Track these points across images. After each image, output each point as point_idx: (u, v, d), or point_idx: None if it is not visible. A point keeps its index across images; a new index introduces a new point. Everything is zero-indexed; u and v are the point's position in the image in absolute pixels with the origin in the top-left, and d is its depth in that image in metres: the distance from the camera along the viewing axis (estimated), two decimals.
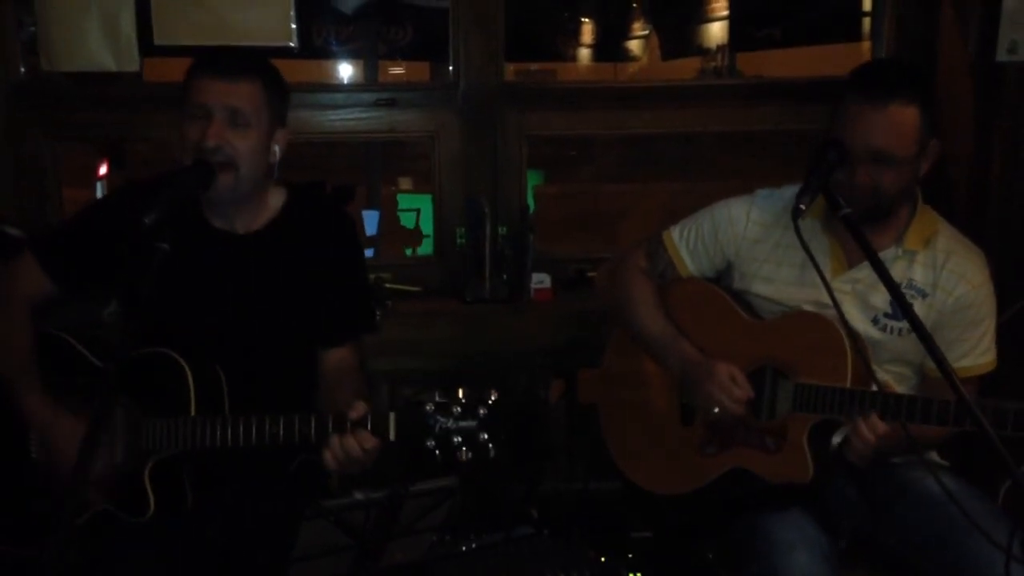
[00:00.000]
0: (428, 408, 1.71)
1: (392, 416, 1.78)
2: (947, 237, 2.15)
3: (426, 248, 3.53)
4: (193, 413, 1.94)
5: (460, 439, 1.71)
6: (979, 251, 2.16)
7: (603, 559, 2.42)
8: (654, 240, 2.35)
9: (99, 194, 5.18)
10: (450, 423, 1.71)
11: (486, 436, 1.71)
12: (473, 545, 2.16)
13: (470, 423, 1.71)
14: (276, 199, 2.14)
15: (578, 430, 2.95)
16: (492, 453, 1.72)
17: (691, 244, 2.30)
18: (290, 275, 2.10)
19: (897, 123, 1.97)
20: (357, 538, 1.61)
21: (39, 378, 2.06)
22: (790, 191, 2.18)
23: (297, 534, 1.65)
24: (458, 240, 3.02)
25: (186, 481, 1.97)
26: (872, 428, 1.91)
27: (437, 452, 1.72)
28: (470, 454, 1.72)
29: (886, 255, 2.07)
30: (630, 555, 2.47)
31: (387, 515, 1.63)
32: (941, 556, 1.99)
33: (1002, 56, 2.75)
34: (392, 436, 1.79)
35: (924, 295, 2.10)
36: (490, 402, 1.72)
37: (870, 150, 1.97)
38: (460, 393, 1.72)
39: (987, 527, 1.83)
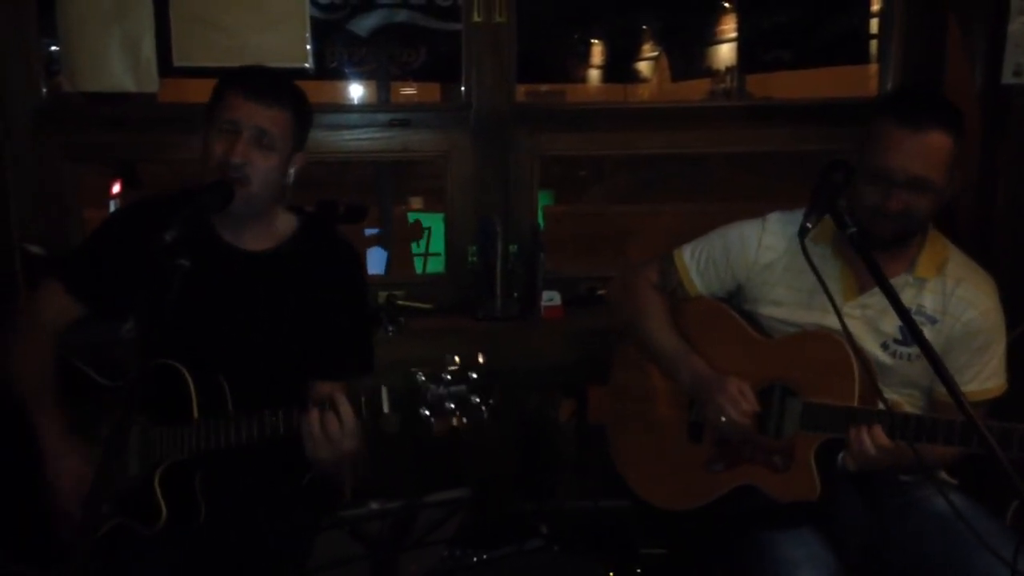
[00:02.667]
0: (419, 378, 1.74)
1: (384, 389, 1.81)
2: (957, 263, 2.16)
3: (437, 266, 3.56)
4: (196, 417, 1.97)
5: (453, 404, 1.74)
6: (989, 277, 2.17)
7: (612, 574, 2.43)
8: (666, 258, 2.37)
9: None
10: (441, 389, 1.73)
11: (478, 399, 1.73)
12: (484, 557, 2.18)
13: (461, 387, 1.73)
14: (286, 224, 2.17)
15: (588, 447, 2.97)
16: (485, 415, 1.74)
17: (701, 265, 2.32)
18: (293, 300, 2.12)
19: (937, 150, 1.99)
20: (372, 549, 1.63)
21: (58, 405, 2.08)
22: (801, 214, 2.17)
23: (313, 545, 1.67)
24: (470, 258, 3.05)
25: (198, 489, 1.99)
26: (873, 439, 1.93)
27: (432, 419, 1.74)
28: (464, 418, 1.74)
29: (897, 282, 2.07)
30: (639, 570, 2.48)
31: (401, 526, 1.65)
32: (948, 574, 2.00)
33: (1008, 79, 2.78)
34: (386, 409, 1.81)
35: (933, 321, 2.11)
36: (479, 366, 1.75)
37: (909, 176, 1.99)
38: (448, 360, 1.75)
39: (994, 545, 1.85)
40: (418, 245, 3.89)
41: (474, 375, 1.74)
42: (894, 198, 1.99)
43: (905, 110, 2.01)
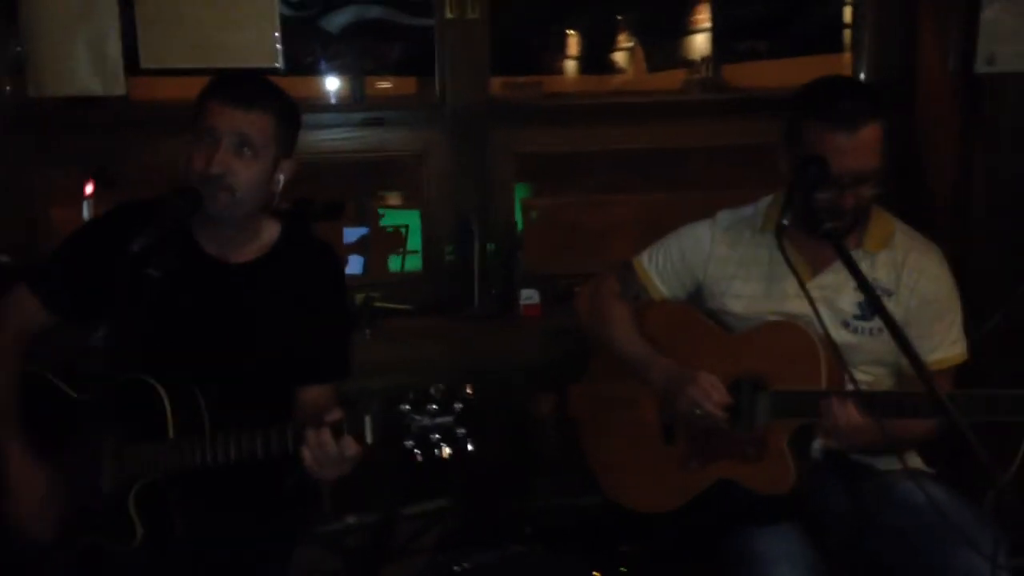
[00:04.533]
0: (403, 408, 1.70)
1: (368, 419, 1.76)
2: (903, 235, 2.22)
3: (414, 264, 3.53)
4: (172, 435, 1.93)
5: (438, 436, 1.70)
6: (935, 246, 2.23)
7: (596, 573, 2.43)
8: (625, 267, 2.42)
9: (85, 214, 5.16)
10: (427, 420, 1.69)
11: (464, 431, 1.70)
12: (466, 565, 2.16)
13: (447, 419, 1.69)
14: (269, 232, 2.13)
15: (569, 445, 2.96)
16: (471, 447, 1.71)
17: (660, 267, 2.37)
18: (274, 310, 2.09)
19: (870, 143, 2.03)
20: (350, 563, 1.61)
21: (20, 420, 2.04)
22: (750, 209, 2.32)
23: (290, 559, 1.66)
24: (447, 257, 3.03)
25: (173, 507, 1.96)
26: (847, 416, 1.94)
27: (417, 451, 1.71)
28: (449, 450, 1.70)
29: None
30: (622, 568, 2.48)
31: (381, 538, 1.64)
32: (928, 566, 2.01)
33: (981, 68, 2.78)
34: (370, 439, 1.77)
35: (889, 294, 2.15)
36: (465, 396, 1.71)
37: (852, 174, 2.02)
38: (434, 390, 1.71)
39: (973, 535, 1.85)
40: (395, 253, 3.87)
41: (460, 406, 1.71)
42: (845, 197, 2.03)
43: (835, 113, 2.02)
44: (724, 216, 2.34)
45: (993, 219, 2.83)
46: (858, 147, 2.01)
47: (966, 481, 2.16)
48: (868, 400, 1.95)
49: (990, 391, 1.88)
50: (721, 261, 2.29)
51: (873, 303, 1.83)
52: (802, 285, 1.94)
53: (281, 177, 2.05)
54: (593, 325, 2.43)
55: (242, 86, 2.00)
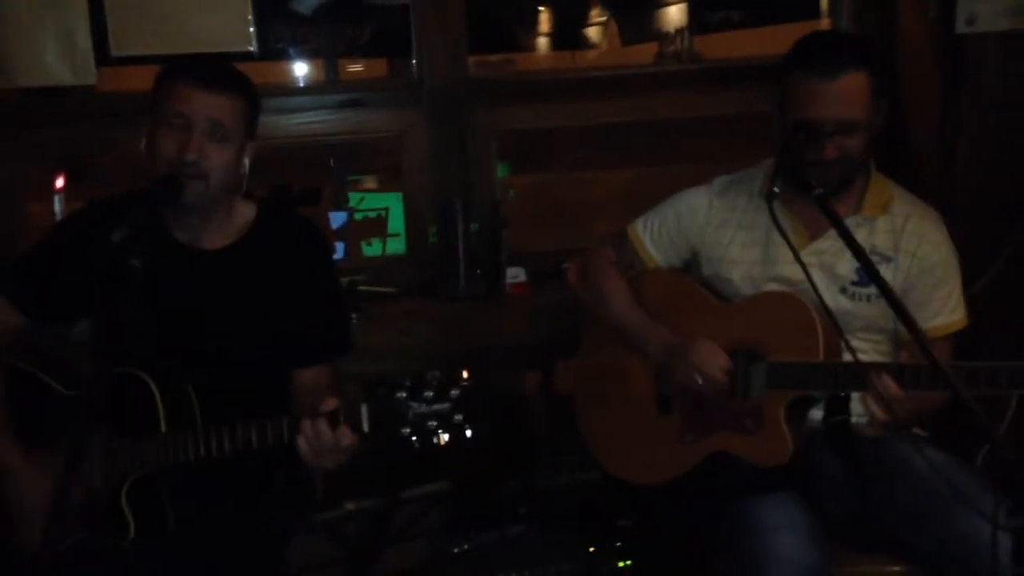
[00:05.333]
0: (400, 395, 1.68)
1: (364, 408, 1.74)
2: (903, 200, 2.20)
3: (396, 246, 3.51)
4: (163, 430, 1.91)
5: (435, 423, 1.68)
6: (934, 211, 2.22)
7: (592, 549, 2.42)
8: (619, 235, 2.39)
9: (57, 207, 5.09)
10: (423, 408, 1.67)
11: (461, 417, 1.68)
12: (465, 547, 2.15)
13: (444, 406, 1.68)
14: (245, 214, 2.10)
15: (559, 422, 2.95)
16: (469, 434, 1.69)
17: (656, 236, 2.34)
18: (259, 294, 2.06)
19: (853, 90, 2.02)
20: (349, 550, 1.59)
21: (7, 419, 2.01)
22: (746, 175, 2.29)
23: (287, 550, 1.63)
24: (431, 239, 3.00)
25: (166, 501, 1.94)
26: (886, 389, 1.90)
27: (414, 439, 1.69)
28: (447, 437, 1.69)
29: (848, 224, 2.08)
30: (618, 544, 2.48)
31: (379, 524, 1.62)
32: (928, 530, 2.02)
33: (961, 28, 2.76)
34: (366, 428, 1.74)
35: (888, 259, 2.14)
36: (462, 383, 1.69)
37: (834, 122, 2.01)
38: (430, 377, 1.69)
39: (972, 496, 1.86)
40: (368, 244, 3.83)
41: (457, 392, 1.68)
42: (828, 147, 2.02)
43: (815, 60, 2.03)
44: (721, 181, 2.32)
45: (977, 179, 2.83)
46: (839, 94, 2.00)
47: (958, 441, 2.17)
48: (912, 373, 1.91)
49: (991, 364, 1.86)
50: (718, 227, 2.27)
51: (868, 271, 1.81)
52: (795, 253, 1.93)
53: (247, 160, 2.03)
54: (587, 296, 2.40)
55: (210, 69, 1.97)
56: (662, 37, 4.10)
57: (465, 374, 1.69)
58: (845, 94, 2.01)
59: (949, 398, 2.04)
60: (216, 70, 1.98)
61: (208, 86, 1.92)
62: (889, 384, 1.89)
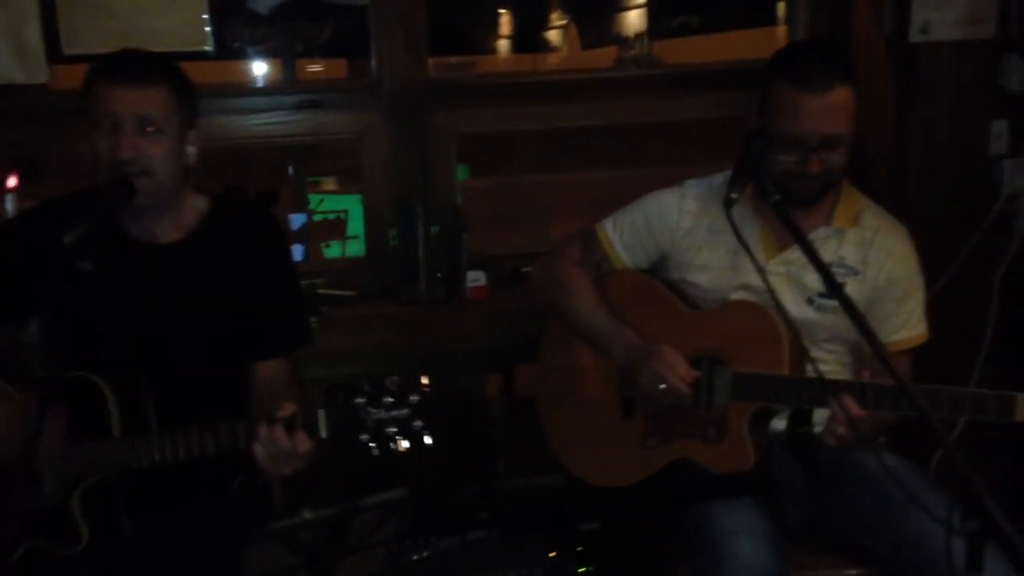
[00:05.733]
0: (359, 401, 1.67)
1: (322, 413, 1.73)
2: (873, 214, 2.21)
3: (356, 249, 3.48)
4: (116, 434, 1.87)
5: (394, 429, 1.67)
6: (903, 226, 2.24)
7: (553, 554, 2.42)
8: (587, 233, 2.36)
9: (10, 207, 4.98)
10: (382, 414, 1.67)
11: (420, 423, 1.67)
12: (425, 554, 2.14)
13: (403, 411, 1.67)
14: (197, 206, 2.07)
15: (520, 426, 2.95)
16: (428, 440, 1.68)
17: (625, 237, 2.32)
18: (216, 286, 2.03)
19: (841, 105, 2.02)
20: (307, 558, 1.57)
21: None
22: (719, 178, 2.26)
23: (243, 558, 1.61)
24: (390, 242, 2.98)
25: (119, 507, 1.90)
26: (847, 410, 1.91)
27: (372, 445, 1.68)
28: (406, 443, 1.68)
29: (817, 235, 2.12)
30: (579, 548, 2.47)
31: (337, 532, 1.60)
32: (884, 533, 2.04)
33: (915, 37, 2.80)
34: (324, 434, 1.73)
35: (856, 273, 2.15)
36: (421, 388, 1.69)
37: (821, 137, 2.01)
38: (389, 382, 1.68)
39: (926, 502, 1.87)
40: (327, 246, 3.79)
41: (416, 398, 1.68)
42: (812, 161, 2.02)
43: (803, 73, 2.02)
44: (692, 184, 2.29)
45: (929, 186, 2.87)
46: (826, 109, 2.00)
47: (912, 446, 2.20)
48: (825, 391, 1.93)
49: (954, 389, 1.87)
50: (688, 231, 2.25)
51: (827, 282, 1.80)
52: (756, 263, 1.93)
53: (192, 149, 2.01)
54: (551, 295, 2.36)
55: (130, 65, 1.95)
56: (622, 41, 4.12)
57: (425, 380, 1.68)
58: (831, 109, 2.01)
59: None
60: (136, 64, 1.95)
61: (130, 82, 1.90)
62: (851, 405, 1.90)
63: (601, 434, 2.29)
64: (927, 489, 1.96)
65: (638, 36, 3.94)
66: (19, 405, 1.96)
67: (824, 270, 1.81)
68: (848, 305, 1.75)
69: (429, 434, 1.67)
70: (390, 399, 1.66)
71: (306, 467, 1.80)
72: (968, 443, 1.92)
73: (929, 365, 2.22)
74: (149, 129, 1.91)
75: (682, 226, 2.26)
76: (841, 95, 2.01)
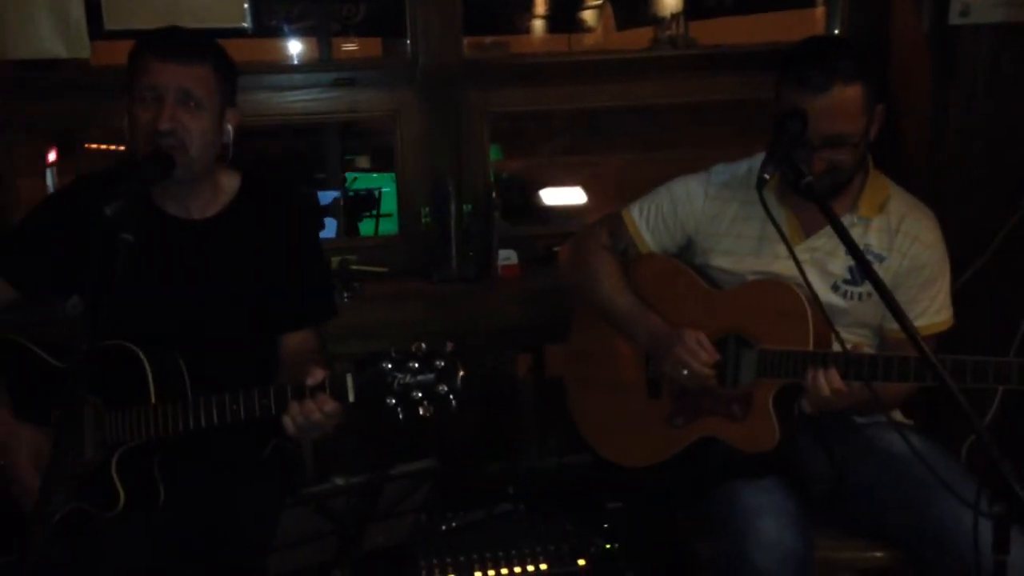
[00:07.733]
0: (385, 366, 1.70)
1: (349, 377, 1.76)
2: (899, 200, 2.20)
3: (389, 227, 3.51)
4: (153, 401, 1.92)
5: (420, 394, 1.70)
6: (930, 212, 2.22)
7: (579, 530, 2.44)
8: (614, 218, 2.38)
9: (49, 181, 5.07)
10: (408, 378, 1.69)
11: (446, 388, 1.70)
12: (453, 524, 2.17)
13: (428, 376, 1.70)
14: (231, 183, 2.12)
15: (548, 405, 2.97)
16: (453, 405, 1.71)
17: (651, 222, 2.33)
18: (248, 260, 2.08)
19: (845, 103, 2.01)
20: (339, 524, 1.60)
21: (1, 390, 2.02)
22: (744, 164, 2.27)
23: (277, 523, 1.65)
24: (423, 220, 3.00)
25: (156, 473, 1.95)
26: (829, 380, 1.95)
27: (398, 409, 1.71)
28: (432, 408, 1.71)
29: (842, 223, 2.10)
30: (605, 525, 2.49)
31: (367, 500, 1.63)
32: (909, 515, 2.04)
33: (954, 19, 2.77)
34: (351, 398, 1.77)
35: (881, 259, 2.15)
36: (446, 354, 1.71)
37: (823, 137, 2.01)
38: (416, 348, 1.71)
39: (955, 483, 1.87)
40: (361, 223, 3.83)
41: (441, 363, 1.70)
42: (816, 160, 2.02)
43: (805, 73, 2.01)
44: (719, 170, 2.30)
45: (967, 171, 2.84)
46: (830, 109, 1.99)
47: (942, 431, 2.20)
48: (856, 364, 1.94)
49: (977, 358, 1.87)
50: (713, 217, 2.26)
51: (861, 267, 1.80)
52: (790, 248, 1.93)
53: (230, 127, 2.05)
54: (578, 278, 2.39)
55: (178, 40, 1.99)
56: (658, 22, 4.10)
57: (450, 346, 1.71)
58: (834, 108, 1.99)
59: (913, 390, 2.07)
60: (183, 40, 1.99)
61: (176, 57, 1.94)
62: (833, 377, 1.93)
63: (628, 414, 2.31)
64: (954, 471, 1.95)
65: (673, 16, 3.91)
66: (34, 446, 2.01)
67: (856, 252, 1.81)
68: (879, 285, 1.75)
69: (455, 399, 1.69)
70: (416, 364, 1.69)
71: (334, 432, 1.83)
72: (1001, 430, 1.91)
73: (966, 351, 2.21)
74: (191, 104, 1.95)
75: (707, 211, 2.27)
76: (843, 93, 2.00)
